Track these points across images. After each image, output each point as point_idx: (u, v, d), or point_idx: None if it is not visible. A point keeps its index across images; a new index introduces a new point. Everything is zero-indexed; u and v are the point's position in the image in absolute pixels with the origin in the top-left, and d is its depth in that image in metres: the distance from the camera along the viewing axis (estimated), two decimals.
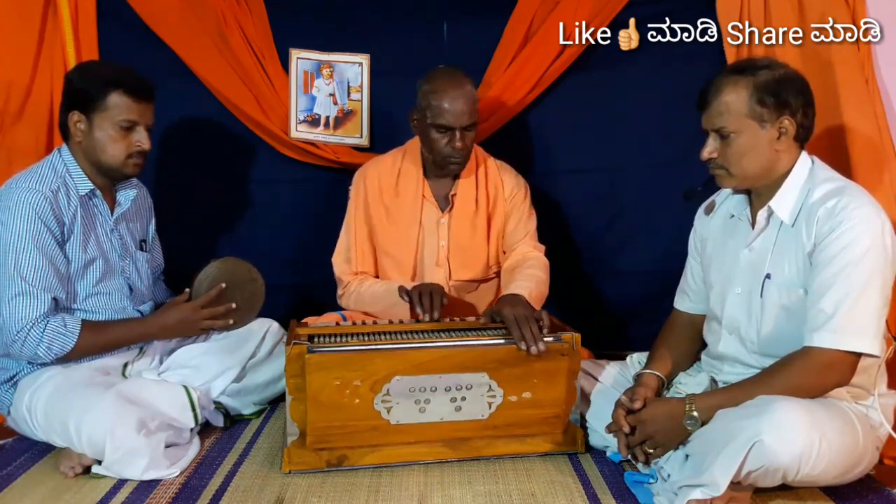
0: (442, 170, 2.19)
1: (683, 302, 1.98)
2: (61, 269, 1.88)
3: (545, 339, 1.78)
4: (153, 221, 2.23)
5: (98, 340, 1.91)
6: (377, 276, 2.28)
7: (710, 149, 1.69)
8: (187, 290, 2.03)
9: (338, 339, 1.86)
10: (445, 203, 2.25)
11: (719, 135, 1.67)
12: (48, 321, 1.83)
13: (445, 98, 2.07)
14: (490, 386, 1.80)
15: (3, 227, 1.83)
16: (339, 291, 2.27)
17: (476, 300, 2.29)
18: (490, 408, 1.82)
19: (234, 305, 2.05)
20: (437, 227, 2.25)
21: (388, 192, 2.25)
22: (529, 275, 2.10)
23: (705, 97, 1.68)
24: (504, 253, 2.28)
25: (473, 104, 2.10)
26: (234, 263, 2.07)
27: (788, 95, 1.62)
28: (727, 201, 1.83)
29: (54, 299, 1.86)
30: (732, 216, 1.80)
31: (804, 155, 1.70)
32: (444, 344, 1.80)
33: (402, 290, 2.03)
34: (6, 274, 1.82)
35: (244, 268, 2.09)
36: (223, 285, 2.03)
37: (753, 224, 1.73)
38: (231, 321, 2.07)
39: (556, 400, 1.84)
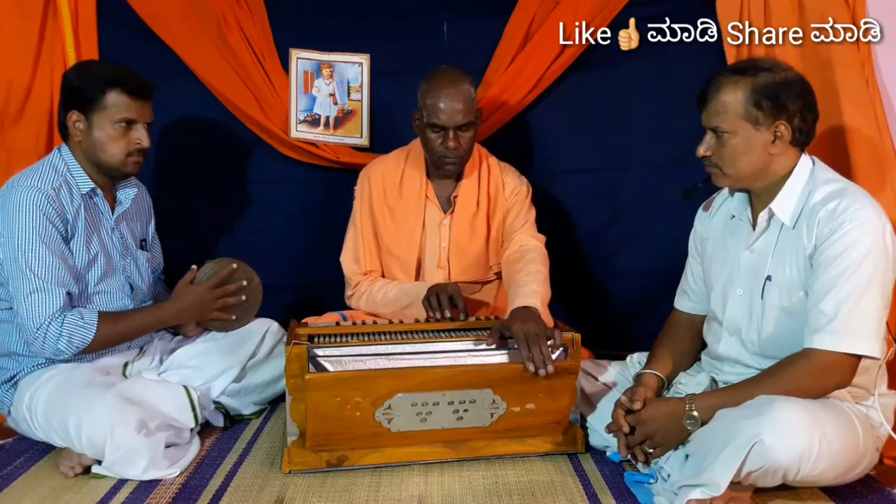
0: (438, 170, 2.19)
1: (683, 302, 1.98)
2: (70, 264, 1.89)
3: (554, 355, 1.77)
4: (153, 221, 2.23)
5: (117, 330, 1.91)
6: (384, 276, 2.28)
7: (705, 146, 1.69)
8: (193, 266, 2.04)
9: (338, 339, 1.86)
10: (448, 204, 2.25)
11: (715, 133, 1.67)
12: (65, 316, 1.83)
13: (439, 97, 2.05)
14: (494, 400, 1.79)
15: (9, 228, 1.83)
16: (349, 292, 2.26)
17: (476, 302, 2.29)
18: (492, 418, 1.81)
19: (244, 283, 2.07)
20: (439, 229, 2.24)
21: (392, 192, 2.24)
22: (534, 273, 2.03)
23: (705, 95, 1.68)
24: (502, 246, 2.27)
25: (469, 104, 2.08)
26: (230, 263, 2.07)
27: (787, 100, 1.61)
28: (727, 201, 1.83)
29: (68, 293, 1.86)
30: (733, 217, 1.80)
31: (805, 156, 1.69)
32: (448, 363, 1.80)
33: (424, 303, 2.04)
34: (19, 273, 1.82)
35: (243, 266, 2.09)
36: (234, 266, 2.05)
37: (754, 225, 1.73)
38: (234, 316, 2.08)
39: (559, 409, 1.84)
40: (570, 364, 1.80)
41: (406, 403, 1.76)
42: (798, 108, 1.62)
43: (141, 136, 1.94)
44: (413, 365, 1.80)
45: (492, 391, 1.78)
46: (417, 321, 2.00)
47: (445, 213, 2.24)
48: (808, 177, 1.67)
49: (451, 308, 1.98)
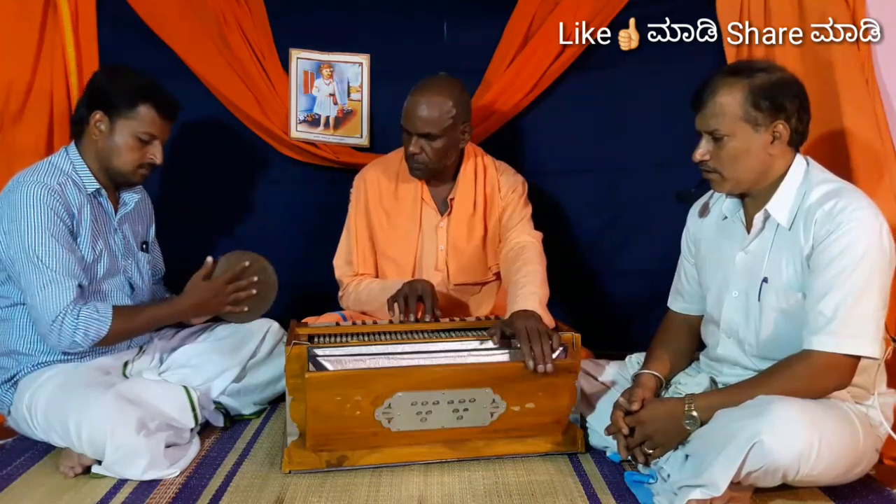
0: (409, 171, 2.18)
1: (677, 302, 1.97)
2: (79, 256, 1.89)
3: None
4: (153, 225, 2.24)
5: (132, 323, 1.93)
6: (377, 278, 2.28)
7: (702, 150, 1.68)
8: (209, 258, 2.06)
9: (338, 339, 1.86)
10: (444, 206, 2.24)
11: (713, 137, 1.66)
12: (80, 308, 1.83)
13: (410, 101, 2.06)
14: (494, 399, 1.79)
15: (17, 224, 1.83)
16: (340, 293, 2.28)
17: (477, 303, 2.29)
18: (492, 417, 1.81)
19: (256, 279, 2.09)
20: (437, 231, 2.23)
21: (387, 195, 2.24)
22: (531, 273, 2.02)
23: (700, 98, 1.66)
24: (500, 242, 2.26)
25: (437, 116, 2.03)
26: (242, 259, 2.09)
27: (784, 99, 1.61)
28: (720, 202, 1.82)
29: (79, 286, 1.86)
30: (725, 217, 1.79)
31: (799, 157, 1.69)
32: (448, 362, 1.80)
33: (389, 302, 2.03)
34: (31, 266, 1.82)
35: (255, 258, 2.12)
36: (246, 263, 2.08)
37: (748, 226, 1.73)
38: (246, 308, 2.11)
39: (559, 408, 1.84)
40: (570, 363, 1.80)
41: (406, 402, 1.76)
42: (795, 108, 1.62)
43: (155, 153, 1.97)
44: (413, 364, 1.80)
45: (492, 390, 1.78)
46: (391, 322, 1.99)
47: (442, 215, 2.24)
48: (802, 177, 1.66)
49: (416, 310, 1.97)
